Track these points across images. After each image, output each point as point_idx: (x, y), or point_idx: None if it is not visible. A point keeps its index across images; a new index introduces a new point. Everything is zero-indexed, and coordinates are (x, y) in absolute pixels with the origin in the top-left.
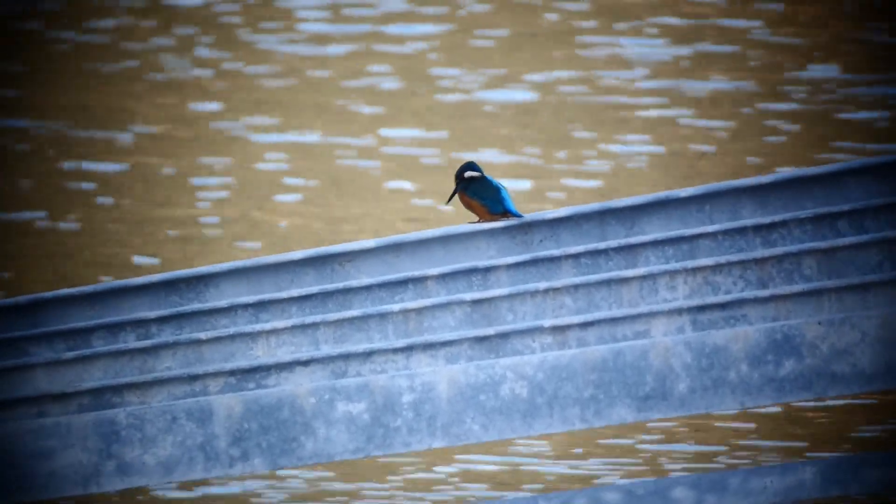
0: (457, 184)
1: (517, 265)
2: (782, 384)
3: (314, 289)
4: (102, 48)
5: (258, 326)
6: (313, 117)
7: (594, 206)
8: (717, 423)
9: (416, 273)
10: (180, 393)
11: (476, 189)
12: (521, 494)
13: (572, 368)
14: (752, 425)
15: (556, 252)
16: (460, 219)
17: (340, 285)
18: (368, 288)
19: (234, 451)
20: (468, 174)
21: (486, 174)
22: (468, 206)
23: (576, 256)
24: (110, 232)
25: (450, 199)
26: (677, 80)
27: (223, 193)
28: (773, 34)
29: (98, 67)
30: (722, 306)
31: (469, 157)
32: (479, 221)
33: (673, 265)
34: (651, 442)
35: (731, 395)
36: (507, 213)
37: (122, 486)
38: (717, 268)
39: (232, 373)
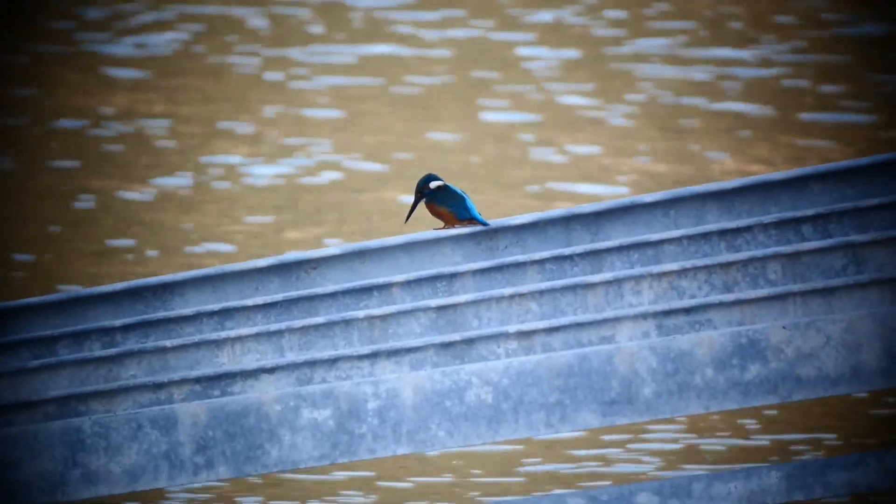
0: (417, 197)
1: (482, 271)
2: (748, 388)
3: (279, 296)
4: None
5: (223, 334)
6: None
7: (559, 211)
8: None
9: (381, 280)
10: (145, 401)
11: (442, 197)
12: (487, 499)
13: (538, 374)
14: None
15: (521, 258)
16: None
17: (305, 292)
18: (333, 295)
19: (199, 459)
20: (433, 184)
21: (448, 183)
22: (436, 214)
23: (541, 262)
24: None
25: (409, 215)
26: None
27: None
28: None
29: None
30: (687, 311)
31: None
32: (445, 227)
33: (638, 270)
34: None
35: (696, 400)
36: (473, 220)
37: (88, 494)
38: (682, 272)
39: (197, 380)
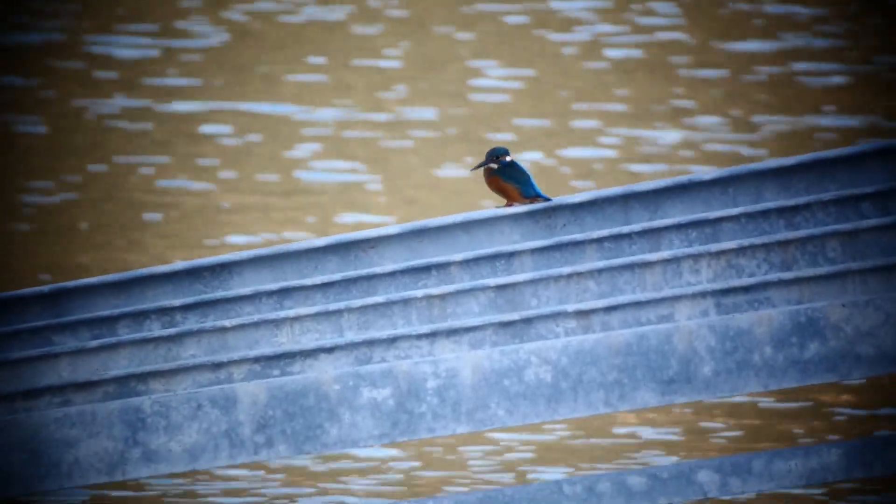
0: (487, 160)
1: (541, 250)
2: (807, 366)
3: (337, 275)
4: None
5: (282, 313)
6: None
7: (617, 189)
8: None
9: (440, 259)
10: (205, 380)
11: (510, 173)
12: (546, 476)
13: (596, 353)
14: None
15: (579, 236)
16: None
17: (364, 272)
18: (392, 274)
19: (259, 438)
20: (507, 158)
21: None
22: (500, 190)
23: (599, 240)
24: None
25: (476, 167)
26: None
27: None
28: None
29: None
30: (746, 289)
31: None
32: (507, 205)
33: (696, 248)
34: None
35: (755, 378)
36: (537, 196)
37: (148, 472)
38: (740, 251)
39: (256, 360)
